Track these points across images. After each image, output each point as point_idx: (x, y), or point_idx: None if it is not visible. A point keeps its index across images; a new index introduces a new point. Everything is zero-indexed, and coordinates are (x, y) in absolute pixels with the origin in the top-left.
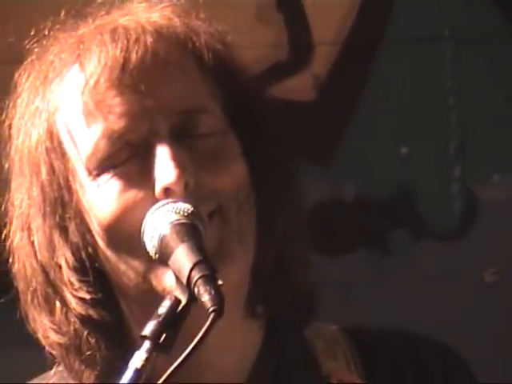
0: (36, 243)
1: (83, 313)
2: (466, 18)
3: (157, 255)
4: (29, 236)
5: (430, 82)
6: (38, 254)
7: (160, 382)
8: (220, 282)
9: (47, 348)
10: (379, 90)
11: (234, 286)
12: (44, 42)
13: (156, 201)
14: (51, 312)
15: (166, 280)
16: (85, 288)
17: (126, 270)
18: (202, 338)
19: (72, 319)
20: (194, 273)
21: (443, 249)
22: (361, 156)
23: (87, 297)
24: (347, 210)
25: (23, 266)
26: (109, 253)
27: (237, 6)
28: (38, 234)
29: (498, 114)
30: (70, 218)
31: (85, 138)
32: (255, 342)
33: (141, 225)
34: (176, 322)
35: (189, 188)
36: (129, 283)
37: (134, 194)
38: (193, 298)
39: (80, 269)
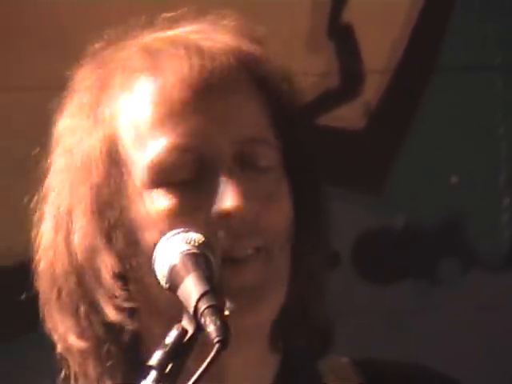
0: (75, 244)
1: (117, 320)
2: None
3: (167, 284)
4: (66, 236)
5: (480, 112)
6: (74, 255)
7: None
8: (226, 313)
9: (63, 352)
10: (430, 119)
11: (264, 323)
12: (103, 48)
13: (206, 226)
14: (75, 315)
15: None
16: (124, 296)
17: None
18: (206, 368)
19: (97, 326)
20: (200, 303)
21: (492, 279)
22: (411, 185)
23: (125, 305)
24: (397, 239)
25: (51, 265)
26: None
27: (288, 33)
28: (79, 235)
29: None
30: (116, 225)
31: (147, 148)
32: (271, 374)
33: None
34: (183, 353)
35: (246, 220)
36: (164, 300)
37: (185, 217)
38: (199, 329)
39: (122, 277)
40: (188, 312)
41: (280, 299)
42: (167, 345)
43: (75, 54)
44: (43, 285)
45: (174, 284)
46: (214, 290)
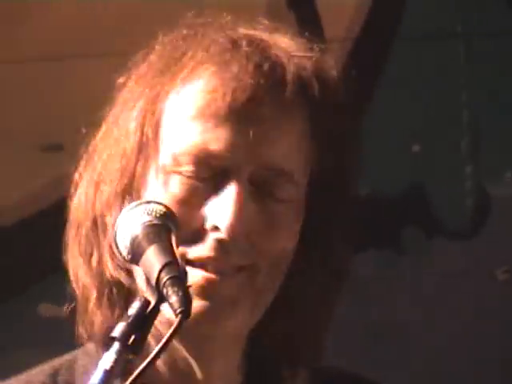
0: (98, 197)
1: (116, 276)
2: (480, 14)
3: (129, 255)
4: (96, 183)
5: (442, 79)
6: (96, 205)
7: (128, 382)
8: (189, 283)
9: (73, 285)
10: (391, 88)
11: (229, 332)
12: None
13: (201, 229)
14: (85, 255)
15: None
16: (120, 257)
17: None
18: (168, 338)
19: (102, 270)
20: (162, 274)
21: (455, 247)
22: (374, 154)
23: (124, 266)
24: (360, 208)
25: (79, 202)
26: None
27: (247, 5)
28: (103, 188)
29: (510, 111)
30: (131, 191)
31: (180, 138)
32: (239, 373)
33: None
34: (145, 324)
35: (237, 242)
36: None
37: (187, 211)
38: (161, 299)
39: None
40: (150, 283)
41: (248, 320)
42: (130, 316)
43: None
44: (70, 217)
45: (135, 255)
46: (176, 261)
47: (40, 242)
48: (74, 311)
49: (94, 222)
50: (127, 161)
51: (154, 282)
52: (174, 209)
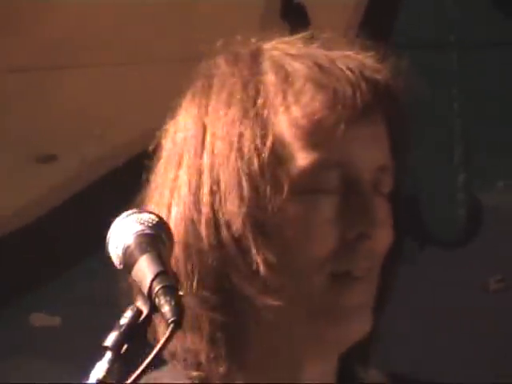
0: (223, 225)
1: (265, 304)
2: (473, 24)
3: (121, 265)
4: (215, 216)
5: (435, 88)
6: (223, 235)
7: None
8: (180, 293)
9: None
10: None
11: (359, 335)
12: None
13: (345, 240)
14: (214, 288)
15: (336, 330)
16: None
17: (298, 293)
18: (161, 348)
19: (235, 304)
20: (155, 283)
21: (448, 256)
22: None
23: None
24: None
25: (187, 229)
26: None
27: (241, 14)
28: (231, 219)
29: (503, 120)
30: (267, 217)
31: (307, 155)
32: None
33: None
34: (138, 333)
35: (379, 244)
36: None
37: (330, 227)
38: (154, 309)
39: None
40: (142, 293)
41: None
42: (122, 325)
43: None
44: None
45: (128, 264)
46: (168, 271)
47: (36, 250)
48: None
49: (225, 256)
50: (254, 189)
51: (146, 291)
52: (322, 226)
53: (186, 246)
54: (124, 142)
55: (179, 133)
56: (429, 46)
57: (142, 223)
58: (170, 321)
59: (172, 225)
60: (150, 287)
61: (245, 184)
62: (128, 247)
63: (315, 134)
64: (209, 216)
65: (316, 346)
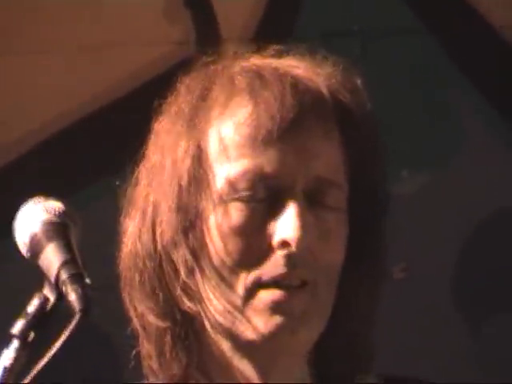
0: (157, 235)
1: (191, 310)
2: (376, 13)
3: (28, 253)
4: (152, 226)
5: None
6: (158, 244)
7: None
8: (88, 281)
9: (140, 328)
10: None
11: (302, 346)
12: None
13: (268, 249)
14: (154, 297)
15: (248, 330)
16: (196, 290)
17: (219, 299)
18: (67, 337)
19: (174, 310)
20: (62, 272)
21: None
22: None
23: (197, 297)
24: None
25: (135, 249)
26: (212, 272)
27: (145, 2)
28: (163, 228)
29: (407, 109)
30: (193, 225)
31: (230, 165)
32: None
33: (244, 261)
34: (44, 322)
35: (303, 252)
36: (217, 312)
37: (251, 236)
38: (61, 297)
39: (193, 272)
40: (50, 281)
41: (318, 330)
42: (29, 314)
43: None
44: (126, 266)
45: (34, 252)
46: (75, 259)
47: None
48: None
49: (160, 265)
50: (184, 198)
51: (53, 279)
52: (240, 235)
53: (134, 255)
54: (30, 128)
55: (147, 151)
56: (331, 36)
57: (48, 211)
58: (77, 309)
59: (129, 239)
60: (57, 275)
61: (174, 193)
62: (35, 235)
63: (242, 147)
64: (149, 225)
65: (255, 354)
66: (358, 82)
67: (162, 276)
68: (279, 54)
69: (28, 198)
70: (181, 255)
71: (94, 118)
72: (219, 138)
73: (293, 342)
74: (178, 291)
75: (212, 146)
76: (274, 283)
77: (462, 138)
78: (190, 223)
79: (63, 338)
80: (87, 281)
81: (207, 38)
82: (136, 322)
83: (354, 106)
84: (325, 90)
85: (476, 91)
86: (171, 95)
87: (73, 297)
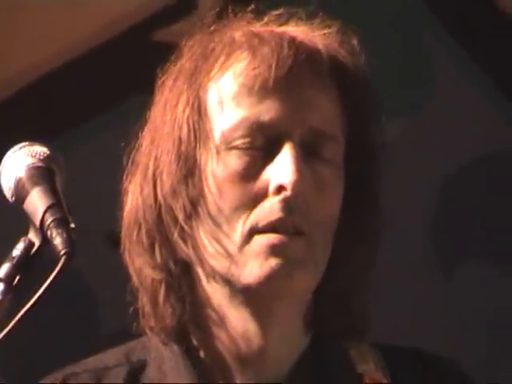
0: (159, 185)
1: (186, 257)
2: None
3: (13, 198)
4: (153, 178)
5: None
6: (158, 194)
7: (10, 326)
8: (72, 226)
9: (137, 283)
10: None
11: (297, 290)
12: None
13: (265, 194)
14: (151, 250)
15: (244, 274)
16: (192, 237)
17: (215, 246)
18: (52, 280)
19: (170, 261)
20: (47, 216)
21: None
22: None
23: (193, 244)
24: None
25: (137, 206)
26: (209, 220)
27: None
28: (164, 178)
29: (381, 57)
30: (192, 173)
31: (228, 115)
32: (303, 342)
33: (241, 208)
34: (30, 265)
35: (299, 198)
36: (213, 259)
37: (248, 182)
38: (46, 241)
39: (192, 218)
40: (35, 225)
41: (313, 281)
42: (14, 257)
43: None
44: (126, 223)
45: (19, 197)
46: (60, 204)
47: None
48: None
49: (159, 215)
50: (184, 148)
51: (38, 223)
52: (237, 182)
53: (135, 210)
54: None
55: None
56: None
57: (33, 156)
58: (62, 252)
59: (134, 192)
60: (42, 219)
61: (175, 145)
62: (20, 180)
63: (240, 97)
64: (150, 178)
65: (252, 301)
66: (356, 43)
67: (160, 226)
68: (278, 20)
69: (13, 143)
70: (180, 203)
71: (76, 62)
72: (218, 90)
73: (288, 286)
74: (176, 237)
75: (211, 98)
76: (270, 228)
77: (435, 85)
78: (189, 172)
79: (48, 281)
80: (72, 225)
81: None
82: (134, 278)
83: (351, 66)
84: (322, 48)
85: (451, 38)
86: (174, 57)
87: (57, 240)
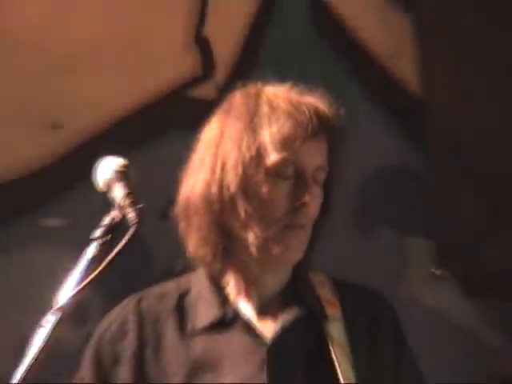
0: (225, 186)
1: (234, 231)
2: None
3: (104, 188)
4: (220, 180)
5: None
6: (224, 192)
7: (94, 274)
8: (140, 206)
9: (194, 255)
10: None
11: (295, 260)
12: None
13: (294, 207)
14: (203, 229)
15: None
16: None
17: (257, 232)
18: (128, 240)
19: (218, 235)
20: (125, 199)
21: None
22: None
23: (243, 226)
24: None
25: (203, 192)
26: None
27: (164, 41)
28: (230, 183)
29: None
30: (251, 185)
31: (276, 153)
32: (288, 276)
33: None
34: (114, 230)
35: (312, 210)
36: (254, 238)
37: (284, 199)
38: (124, 215)
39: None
40: (116, 205)
41: (303, 251)
42: (104, 225)
43: None
44: (189, 205)
45: (108, 188)
46: (133, 192)
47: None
48: None
49: (231, 203)
50: (246, 168)
51: (119, 204)
52: (275, 189)
53: (206, 199)
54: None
55: (208, 134)
56: None
57: (117, 164)
58: (133, 222)
59: (199, 185)
60: (122, 202)
61: (239, 167)
62: (109, 178)
63: (282, 144)
64: (217, 182)
65: (270, 263)
66: (336, 108)
67: (222, 209)
68: (292, 89)
69: (103, 155)
70: (241, 201)
71: (143, 110)
72: (269, 137)
73: (296, 258)
74: (233, 224)
75: (265, 141)
76: (298, 226)
77: None
78: (249, 184)
79: (124, 240)
80: (140, 205)
81: (207, 65)
82: (186, 236)
83: (334, 125)
84: (325, 112)
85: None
86: (224, 103)
87: (130, 214)
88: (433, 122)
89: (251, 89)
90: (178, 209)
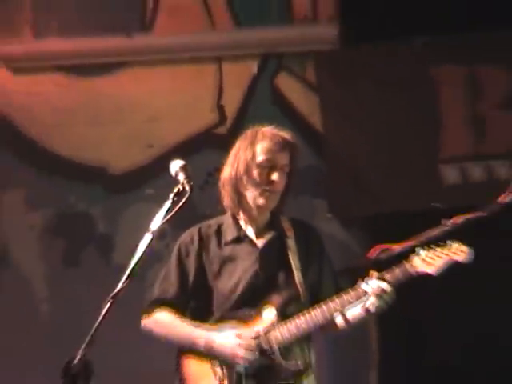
0: (238, 172)
1: (245, 193)
2: None
3: (174, 174)
4: (237, 171)
5: None
6: (238, 174)
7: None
8: (192, 183)
9: (225, 205)
10: None
11: (271, 208)
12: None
13: (267, 183)
14: (231, 193)
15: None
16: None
17: (253, 192)
18: (184, 202)
19: (237, 192)
20: (185, 180)
21: None
22: None
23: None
24: None
25: (229, 175)
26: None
27: (199, 106)
28: (241, 171)
29: None
30: (250, 171)
31: (263, 157)
32: (268, 216)
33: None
34: (178, 195)
35: (279, 184)
36: (252, 194)
37: (262, 178)
38: (183, 188)
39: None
40: (180, 183)
41: (275, 204)
42: (174, 192)
43: None
44: (224, 181)
45: (176, 174)
46: (189, 177)
47: None
48: None
49: (240, 179)
50: (248, 167)
51: (182, 182)
52: (261, 173)
53: (230, 178)
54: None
55: (233, 148)
56: None
57: (180, 163)
58: (187, 189)
59: (227, 171)
60: (183, 181)
61: (244, 162)
62: (177, 170)
63: (265, 152)
64: (235, 170)
65: (259, 208)
66: (296, 141)
67: (237, 182)
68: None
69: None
70: (245, 178)
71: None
72: (257, 152)
73: (268, 203)
74: (242, 190)
75: (255, 154)
76: (268, 190)
77: None
78: (249, 170)
79: (181, 202)
80: (192, 183)
81: (222, 118)
82: (223, 193)
83: (293, 145)
84: (290, 141)
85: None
86: (239, 137)
87: (187, 187)
88: (330, 148)
89: (254, 128)
90: (219, 183)
